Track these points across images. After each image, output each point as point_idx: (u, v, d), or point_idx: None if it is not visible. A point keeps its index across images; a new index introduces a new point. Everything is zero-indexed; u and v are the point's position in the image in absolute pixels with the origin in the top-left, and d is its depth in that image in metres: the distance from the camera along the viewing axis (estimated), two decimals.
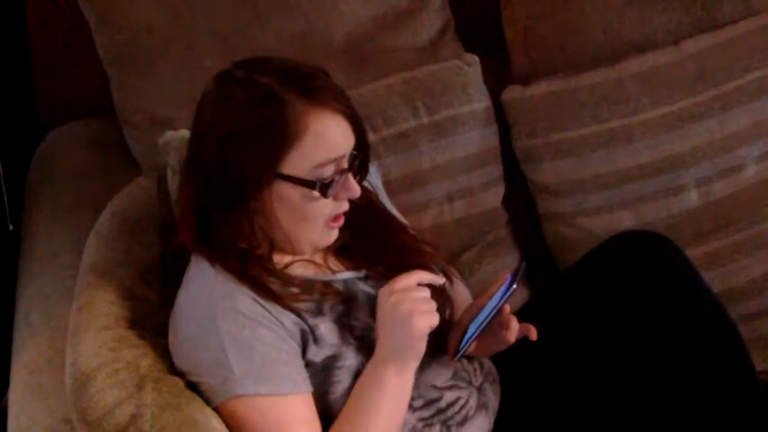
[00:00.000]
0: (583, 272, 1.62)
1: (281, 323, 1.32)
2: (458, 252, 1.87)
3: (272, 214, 1.34)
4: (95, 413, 1.24)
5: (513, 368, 1.53)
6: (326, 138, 1.31)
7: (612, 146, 1.85)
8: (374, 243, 1.47)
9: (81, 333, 1.36)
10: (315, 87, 1.32)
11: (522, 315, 1.45)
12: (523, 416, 1.51)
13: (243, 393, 1.28)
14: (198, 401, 1.29)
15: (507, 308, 1.41)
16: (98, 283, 1.44)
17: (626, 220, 1.88)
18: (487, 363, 1.53)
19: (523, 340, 1.44)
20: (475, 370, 1.49)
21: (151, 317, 1.41)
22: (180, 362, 1.33)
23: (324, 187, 1.32)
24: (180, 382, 1.30)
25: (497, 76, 1.93)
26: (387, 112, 1.81)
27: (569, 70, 1.90)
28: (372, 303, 1.39)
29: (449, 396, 1.43)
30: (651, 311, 1.48)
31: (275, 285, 1.33)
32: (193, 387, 1.31)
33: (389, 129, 1.81)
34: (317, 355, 1.34)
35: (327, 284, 1.39)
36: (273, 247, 1.38)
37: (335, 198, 1.35)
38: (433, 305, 1.33)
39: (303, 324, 1.33)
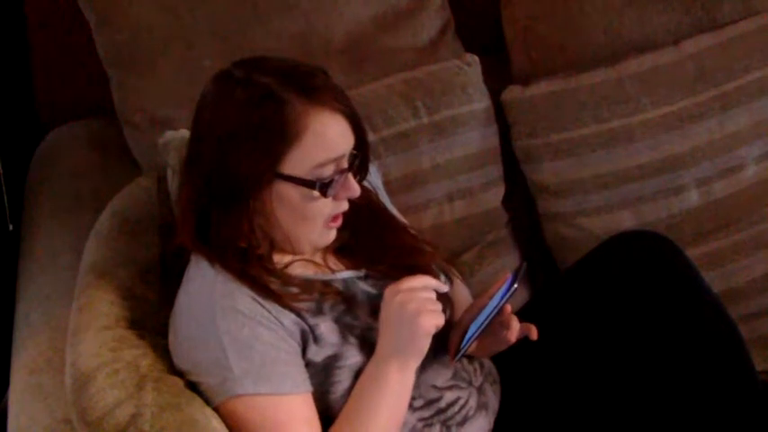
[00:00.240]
0: (583, 272, 1.62)
1: (281, 323, 1.32)
2: (458, 252, 1.87)
3: (271, 214, 1.34)
4: (95, 413, 1.24)
5: (513, 368, 1.53)
6: (326, 137, 1.31)
7: (612, 146, 1.85)
8: (374, 243, 1.47)
9: (81, 333, 1.36)
10: (314, 87, 1.32)
11: (522, 315, 1.45)
12: (523, 416, 1.51)
13: (242, 393, 1.28)
14: (198, 401, 1.29)
15: (508, 308, 1.41)
16: (98, 283, 1.44)
17: (626, 220, 1.88)
18: (488, 363, 1.53)
19: (524, 340, 1.44)
20: (475, 370, 1.49)
21: (151, 317, 1.41)
22: (180, 361, 1.33)
23: (323, 187, 1.32)
24: (180, 382, 1.30)
25: (497, 76, 1.92)
26: (387, 112, 1.81)
27: (569, 70, 1.90)
28: (372, 303, 1.39)
29: (449, 396, 1.43)
30: (651, 311, 1.48)
31: (275, 285, 1.33)
32: (193, 387, 1.31)
33: (389, 129, 1.81)
34: (317, 354, 1.34)
35: (327, 284, 1.39)
36: (273, 246, 1.38)
37: (335, 198, 1.35)
38: (440, 306, 1.33)
39: (303, 324, 1.33)
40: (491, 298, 1.40)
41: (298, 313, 1.33)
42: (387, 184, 1.71)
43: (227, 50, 1.77)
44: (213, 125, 1.32)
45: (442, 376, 1.44)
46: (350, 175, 1.35)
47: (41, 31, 2.05)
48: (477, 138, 1.86)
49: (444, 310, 1.36)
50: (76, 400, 1.28)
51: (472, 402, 1.45)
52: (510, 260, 1.91)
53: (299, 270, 1.39)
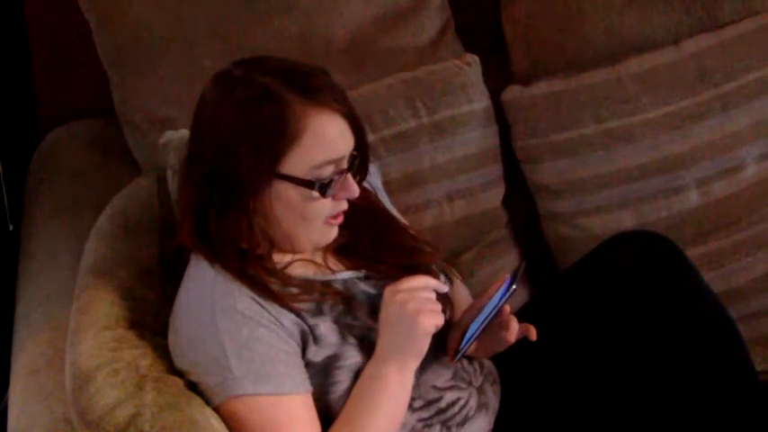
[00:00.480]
0: (582, 272, 1.62)
1: (281, 323, 1.32)
2: (458, 252, 1.87)
3: (271, 214, 1.34)
4: (95, 413, 1.24)
5: (513, 368, 1.53)
6: (325, 138, 1.31)
7: (612, 146, 1.85)
8: (374, 243, 1.47)
9: (81, 333, 1.36)
10: (314, 87, 1.32)
11: (521, 315, 1.45)
12: (523, 416, 1.50)
13: (242, 393, 1.28)
14: (198, 401, 1.29)
15: (507, 308, 1.41)
16: (98, 284, 1.44)
17: (626, 220, 1.88)
18: (488, 363, 1.53)
19: (523, 340, 1.44)
20: (475, 370, 1.49)
21: (151, 317, 1.41)
22: (179, 361, 1.33)
23: (323, 187, 1.32)
24: (180, 382, 1.30)
25: (497, 76, 1.92)
26: (387, 112, 1.81)
27: (569, 70, 1.90)
28: (372, 303, 1.39)
29: (449, 396, 1.43)
30: (651, 311, 1.48)
31: (275, 285, 1.33)
32: (193, 387, 1.31)
33: (389, 129, 1.81)
34: (316, 355, 1.34)
35: (327, 284, 1.39)
36: (273, 246, 1.38)
37: (334, 198, 1.35)
38: (439, 306, 1.33)
39: (303, 324, 1.33)
40: (490, 298, 1.40)
41: (297, 313, 1.33)
42: (387, 184, 1.71)
43: (227, 50, 1.77)
44: (213, 125, 1.32)
45: (441, 377, 1.44)
46: (349, 176, 1.35)
47: (41, 31, 2.05)
48: (477, 138, 1.86)
49: (444, 311, 1.36)
50: (76, 400, 1.28)
51: (472, 403, 1.45)
52: (510, 260, 1.91)
53: (299, 270, 1.39)
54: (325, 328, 1.35)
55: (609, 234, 1.67)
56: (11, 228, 2.13)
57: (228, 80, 1.33)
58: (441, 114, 1.83)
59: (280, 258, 1.39)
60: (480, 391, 1.47)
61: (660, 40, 1.92)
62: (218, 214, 1.33)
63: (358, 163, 1.38)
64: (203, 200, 1.34)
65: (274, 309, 1.32)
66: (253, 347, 1.29)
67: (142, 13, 1.81)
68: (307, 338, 1.34)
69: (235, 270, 1.32)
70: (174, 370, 1.32)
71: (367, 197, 1.48)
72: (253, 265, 1.34)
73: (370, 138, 1.50)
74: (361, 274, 1.44)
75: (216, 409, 1.29)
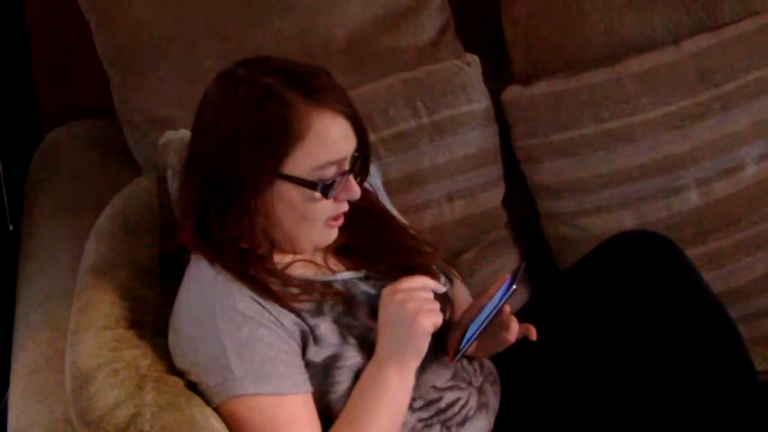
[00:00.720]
0: (582, 272, 1.61)
1: (281, 323, 1.32)
2: (458, 252, 1.87)
3: (272, 214, 1.34)
4: (95, 413, 1.24)
5: (513, 368, 1.53)
6: (328, 139, 1.31)
7: (612, 146, 1.85)
8: (374, 243, 1.47)
9: (81, 333, 1.36)
10: (317, 88, 1.31)
11: (521, 315, 1.45)
12: (523, 416, 1.50)
13: (242, 393, 1.28)
14: (198, 401, 1.29)
15: (507, 308, 1.41)
16: (98, 284, 1.44)
17: (626, 220, 1.88)
18: (487, 363, 1.53)
19: (523, 340, 1.44)
20: (475, 370, 1.48)
21: (151, 317, 1.41)
22: (179, 361, 1.33)
23: (325, 188, 1.32)
24: (180, 382, 1.30)
25: (497, 76, 1.92)
26: (387, 112, 1.81)
27: (569, 70, 1.90)
28: (372, 303, 1.39)
29: (449, 396, 1.43)
30: (651, 311, 1.48)
31: (275, 285, 1.33)
32: (193, 387, 1.31)
33: (389, 129, 1.81)
34: (316, 355, 1.34)
35: (327, 285, 1.39)
36: (273, 246, 1.38)
37: (336, 199, 1.35)
38: (437, 305, 1.33)
39: (303, 324, 1.33)
40: (490, 298, 1.40)
41: (298, 314, 1.33)
42: (387, 184, 1.71)
43: (227, 50, 1.77)
44: (215, 125, 1.32)
45: (441, 377, 1.44)
46: (351, 177, 1.35)
47: (41, 31, 2.05)
48: (477, 138, 1.86)
49: (444, 311, 1.36)
50: (76, 400, 1.28)
51: (472, 403, 1.45)
52: (510, 260, 1.91)
53: (300, 271, 1.39)
54: (326, 328, 1.35)
55: (609, 234, 1.67)
56: (11, 228, 2.13)
57: (231, 80, 1.33)
58: (441, 114, 1.83)
59: (280, 259, 1.39)
60: (480, 391, 1.47)
61: (660, 40, 1.92)
62: (218, 214, 1.33)
63: (359, 164, 1.38)
64: (204, 200, 1.34)
65: (275, 309, 1.32)
66: (253, 347, 1.29)
67: (142, 13, 1.81)
68: (307, 338, 1.34)
69: (235, 270, 1.32)
70: (174, 370, 1.32)
71: (367, 198, 1.48)
72: (253, 266, 1.34)
73: (371, 137, 1.50)
74: (362, 274, 1.44)
75: (216, 409, 1.29)
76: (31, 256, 1.82)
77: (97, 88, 1.91)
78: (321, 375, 1.34)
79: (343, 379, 1.34)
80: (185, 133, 1.60)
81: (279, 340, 1.31)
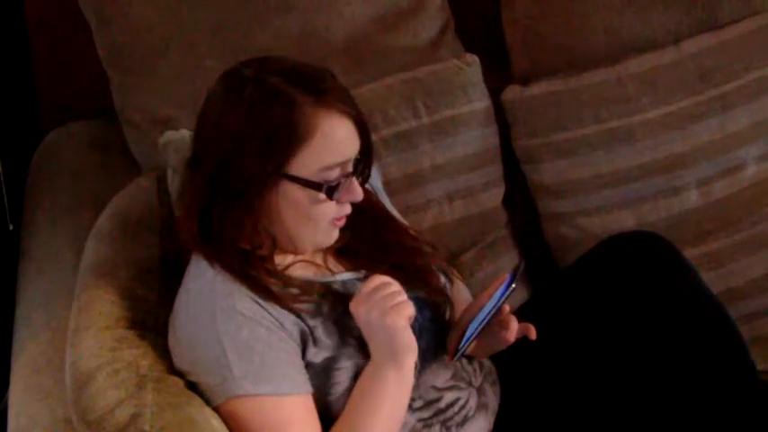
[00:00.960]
0: (581, 272, 1.61)
1: (281, 324, 1.32)
2: (458, 252, 1.87)
3: (276, 214, 1.34)
4: (95, 413, 1.24)
5: (512, 368, 1.53)
6: (334, 140, 1.31)
7: (612, 146, 1.85)
8: (375, 244, 1.47)
9: (81, 333, 1.36)
10: (324, 89, 1.31)
11: (521, 314, 1.45)
12: (523, 416, 1.50)
13: (242, 393, 1.28)
14: (198, 401, 1.29)
15: (507, 307, 1.41)
16: (98, 283, 1.44)
17: (626, 220, 1.88)
18: (487, 363, 1.53)
19: (523, 340, 1.44)
20: (475, 370, 1.48)
21: (151, 317, 1.40)
22: (179, 361, 1.33)
23: (330, 190, 1.32)
24: (180, 382, 1.30)
25: (497, 76, 1.92)
26: (387, 112, 1.81)
27: (569, 70, 1.90)
28: None
29: (448, 397, 1.43)
30: (651, 311, 1.48)
31: (275, 286, 1.33)
32: (193, 387, 1.31)
33: (389, 129, 1.81)
34: (316, 356, 1.34)
35: (327, 285, 1.39)
36: (275, 247, 1.38)
37: (339, 201, 1.35)
38: (402, 296, 1.32)
39: (303, 325, 1.33)
40: (490, 297, 1.40)
41: (297, 314, 1.33)
42: (387, 184, 1.71)
43: (227, 50, 1.77)
44: (221, 124, 1.32)
45: (441, 377, 1.44)
46: (354, 180, 1.35)
47: (41, 31, 2.05)
48: (477, 138, 1.86)
49: (443, 310, 1.36)
50: (76, 400, 1.28)
51: (472, 403, 1.45)
52: (509, 260, 1.91)
53: (299, 271, 1.39)
54: (325, 329, 1.35)
55: (609, 234, 1.67)
56: (11, 228, 2.12)
57: (237, 80, 1.33)
58: (441, 114, 1.83)
59: (281, 260, 1.39)
60: (480, 391, 1.47)
61: (660, 40, 1.92)
62: (221, 214, 1.33)
63: (362, 167, 1.38)
64: (207, 199, 1.34)
65: (275, 310, 1.32)
66: (253, 348, 1.29)
67: (142, 13, 1.81)
68: (306, 339, 1.34)
69: (235, 270, 1.32)
70: (174, 370, 1.32)
71: (368, 198, 1.48)
72: (254, 266, 1.34)
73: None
74: (361, 275, 1.44)
75: (216, 410, 1.29)
76: (31, 256, 1.82)
77: (97, 88, 1.91)
78: (321, 376, 1.34)
79: (342, 379, 1.34)
80: (185, 133, 1.60)
81: (279, 341, 1.31)
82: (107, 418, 1.23)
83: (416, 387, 1.38)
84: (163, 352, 1.34)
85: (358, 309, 1.32)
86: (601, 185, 1.87)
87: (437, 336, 1.45)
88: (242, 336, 1.29)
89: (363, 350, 1.35)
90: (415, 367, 1.36)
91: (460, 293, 1.62)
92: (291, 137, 1.29)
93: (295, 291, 1.34)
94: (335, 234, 1.40)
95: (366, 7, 1.89)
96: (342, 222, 1.39)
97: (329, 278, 1.41)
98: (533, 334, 1.42)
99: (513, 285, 1.35)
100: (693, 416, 1.45)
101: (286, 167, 1.30)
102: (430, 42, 1.95)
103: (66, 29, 2.01)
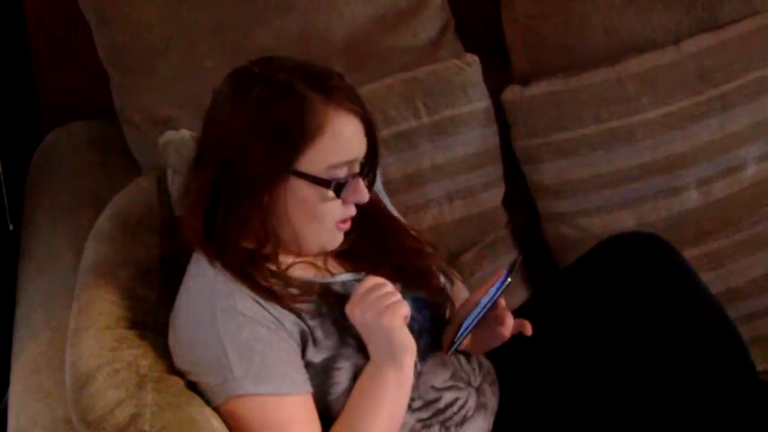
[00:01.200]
0: (581, 272, 1.61)
1: (282, 324, 1.32)
2: (458, 252, 1.87)
3: (283, 212, 1.34)
4: (95, 413, 1.24)
5: (511, 368, 1.53)
6: (343, 138, 1.32)
7: (612, 146, 1.85)
8: (376, 245, 1.48)
9: (81, 333, 1.36)
10: (334, 87, 1.33)
11: (520, 314, 1.45)
12: (522, 416, 1.50)
13: (243, 393, 1.28)
14: (198, 401, 1.29)
15: (502, 302, 1.41)
16: (98, 283, 1.44)
17: (626, 220, 1.88)
18: (486, 363, 1.53)
19: (522, 341, 1.44)
20: (474, 370, 1.48)
21: (151, 317, 1.40)
22: (180, 361, 1.33)
23: (338, 187, 1.33)
24: (180, 382, 1.30)
25: (497, 76, 1.92)
26: (387, 112, 1.81)
27: (569, 70, 1.90)
28: None
29: (447, 397, 1.43)
30: (651, 311, 1.48)
31: (276, 286, 1.33)
32: (193, 387, 1.31)
33: (389, 129, 1.81)
34: (316, 356, 1.34)
35: (326, 286, 1.39)
36: (279, 246, 1.38)
37: (345, 201, 1.35)
38: (396, 296, 1.33)
39: (303, 325, 1.33)
40: (486, 293, 1.40)
41: (298, 314, 1.33)
42: (387, 184, 1.71)
43: (227, 50, 1.77)
44: (230, 120, 1.32)
45: (440, 377, 1.43)
46: (360, 181, 1.36)
47: (41, 31, 2.05)
48: (477, 138, 1.86)
49: (443, 309, 1.35)
50: (76, 400, 1.28)
51: (471, 403, 1.45)
52: (509, 260, 1.90)
53: (299, 272, 1.39)
54: (325, 329, 1.35)
55: (609, 234, 1.67)
56: (11, 228, 2.13)
57: (246, 77, 1.33)
58: (441, 114, 1.83)
59: (282, 260, 1.39)
60: (479, 391, 1.47)
61: (660, 40, 1.92)
62: (226, 213, 1.33)
63: (368, 169, 1.38)
64: (212, 198, 1.34)
65: (276, 310, 1.32)
66: (253, 348, 1.29)
67: (142, 13, 1.81)
68: (306, 339, 1.34)
69: (236, 270, 1.32)
70: (174, 370, 1.32)
71: (371, 199, 1.48)
72: (255, 266, 1.34)
73: None
74: (361, 276, 1.43)
75: (216, 409, 1.29)
76: (31, 256, 1.82)
77: (97, 88, 1.91)
78: (320, 376, 1.34)
79: (342, 379, 1.34)
80: (185, 133, 1.60)
81: (279, 341, 1.31)
82: (107, 418, 1.23)
83: (415, 387, 1.38)
84: (163, 352, 1.34)
85: (353, 311, 1.32)
86: (601, 185, 1.87)
87: (437, 336, 1.45)
88: (243, 336, 1.29)
89: (363, 351, 1.35)
90: (415, 367, 1.36)
91: (460, 294, 1.62)
92: (301, 133, 1.29)
93: (295, 291, 1.34)
94: (340, 237, 1.40)
95: (366, 7, 1.89)
96: (347, 226, 1.39)
97: (329, 279, 1.41)
98: (529, 330, 1.42)
99: (509, 279, 1.35)
100: (693, 416, 1.45)
101: (295, 164, 1.31)
102: (430, 42, 1.95)
103: (66, 29, 2.01)
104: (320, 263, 1.44)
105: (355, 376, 1.34)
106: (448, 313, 1.49)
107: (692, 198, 1.88)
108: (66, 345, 1.38)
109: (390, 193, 1.69)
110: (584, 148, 1.86)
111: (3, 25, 2.05)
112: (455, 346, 1.40)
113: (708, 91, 1.87)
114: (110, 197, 1.65)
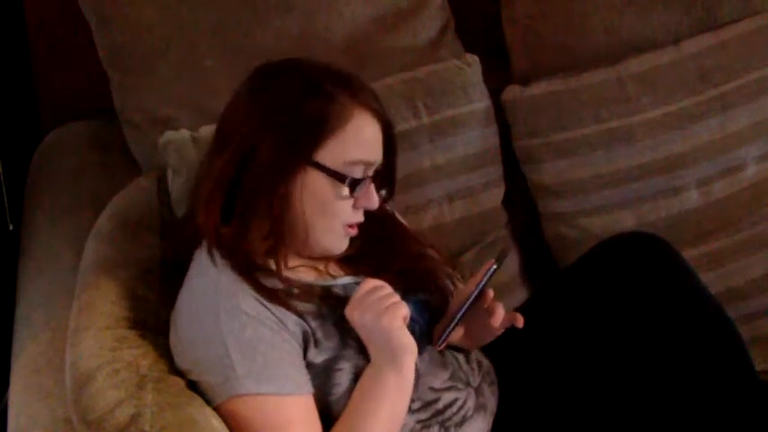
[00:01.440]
0: (581, 272, 1.61)
1: (284, 324, 1.32)
2: (457, 252, 1.87)
3: (297, 206, 1.34)
4: (95, 413, 1.24)
5: (510, 369, 1.53)
6: (363, 136, 1.34)
7: (612, 146, 1.86)
8: (381, 250, 1.48)
9: (81, 333, 1.36)
10: (359, 86, 1.36)
11: (520, 314, 1.45)
12: (522, 417, 1.50)
13: (245, 393, 1.28)
14: (198, 401, 1.29)
15: (491, 292, 1.41)
16: (98, 283, 1.44)
17: (626, 220, 1.88)
18: (485, 363, 1.53)
19: (521, 340, 1.44)
20: (473, 371, 1.48)
21: (152, 317, 1.40)
22: (181, 360, 1.33)
23: (353, 183, 1.33)
24: (180, 382, 1.30)
25: (497, 76, 1.93)
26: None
27: (569, 70, 1.90)
28: None
29: (447, 397, 1.43)
30: (651, 312, 1.48)
31: (278, 287, 1.33)
32: (194, 387, 1.31)
33: None
34: (317, 357, 1.34)
35: (327, 289, 1.39)
36: (288, 245, 1.37)
37: (355, 205, 1.36)
38: (395, 297, 1.33)
39: (305, 325, 1.33)
40: (476, 286, 1.41)
41: (300, 315, 1.33)
42: None
43: (227, 50, 1.77)
44: (252, 109, 1.34)
45: (439, 378, 1.43)
46: (372, 186, 1.37)
47: (41, 31, 2.05)
48: (477, 138, 1.86)
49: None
50: (77, 400, 1.28)
51: (470, 403, 1.45)
52: (510, 260, 1.91)
53: (301, 275, 1.40)
54: (326, 331, 1.35)
55: (609, 234, 1.67)
56: (11, 228, 2.13)
57: (272, 70, 1.37)
58: (441, 114, 1.83)
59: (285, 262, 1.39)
60: (478, 391, 1.47)
61: (660, 40, 1.92)
62: (244, 203, 1.33)
63: (384, 180, 1.40)
64: (232, 186, 1.34)
65: (278, 310, 1.32)
66: (256, 347, 1.29)
67: (142, 13, 1.81)
68: (308, 340, 1.34)
69: (239, 270, 1.33)
70: (174, 370, 1.32)
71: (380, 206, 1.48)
72: (259, 267, 1.34)
73: None
74: (361, 279, 1.44)
75: (217, 409, 1.29)
76: (31, 256, 1.82)
77: (97, 88, 1.91)
78: (321, 377, 1.34)
79: (343, 381, 1.34)
80: (185, 133, 1.60)
81: (282, 341, 1.31)
82: (107, 418, 1.23)
83: (415, 388, 1.38)
84: (163, 352, 1.34)
85: (353, 313, 1.33)
86: (601, 185, 1.87)
87: (433, 336, 1.45)
88: (245, 335, 1.29)
89: (364, 352, 1.35)
90: (416, 368, 1.36)
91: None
92: (323, 124, 1.32)
93: (296, 292, 1.35)
94: (346, 243, 1.41)
95: (366, 7, 1.90)
96: (354, 231, 1.40)
97: (330, 282, 1.42)
98: (520, 322, 1.41)
99: (495, 266, 1.37)
100: (693, 416, 1.45)
101: (314, 155, 1.32)
102: (430, 42, 1.95)
103: (67, 29, 2.01)
104: (322, 267, 1.44)
105: (356, 377, 1.35)
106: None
107: (692, 198, 1.88)
108: (66, 345, 1.38)
109: None
110: (585, 148, 1.86)
111: (3, 25, 2.05)
112: (444, 337, 1.40)
113: (708, 91, 1.87)
114: (110, 197, 1.65)
